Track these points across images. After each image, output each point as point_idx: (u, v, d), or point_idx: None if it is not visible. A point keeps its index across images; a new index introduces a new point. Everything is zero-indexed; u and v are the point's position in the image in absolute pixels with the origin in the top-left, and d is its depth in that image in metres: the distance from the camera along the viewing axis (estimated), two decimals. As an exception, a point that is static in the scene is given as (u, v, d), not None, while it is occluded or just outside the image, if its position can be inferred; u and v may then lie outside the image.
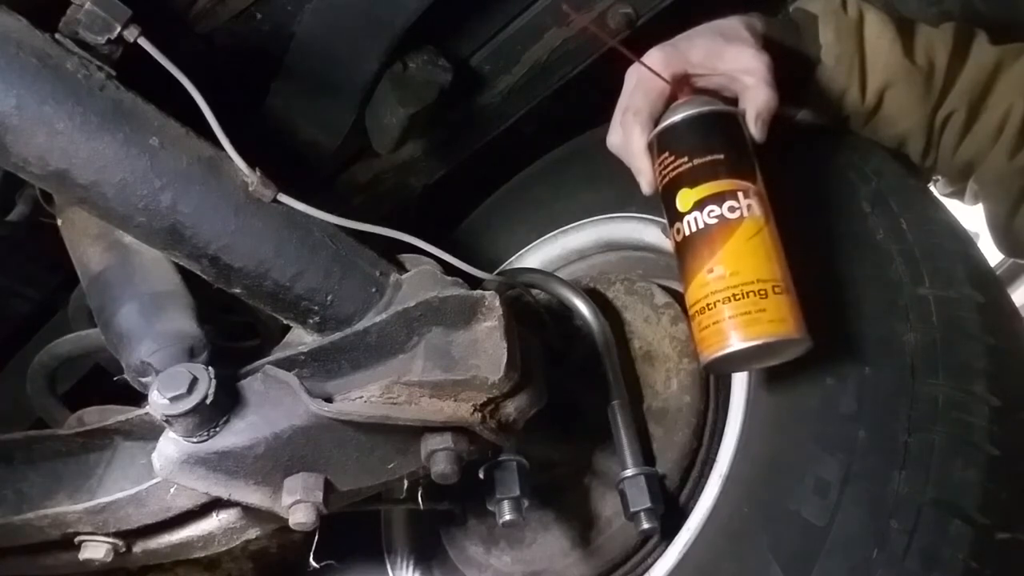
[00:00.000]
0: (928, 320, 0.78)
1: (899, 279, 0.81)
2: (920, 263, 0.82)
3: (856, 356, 0.78)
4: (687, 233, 0.78)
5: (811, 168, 0.94)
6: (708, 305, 0.76)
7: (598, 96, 0.96)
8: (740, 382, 0.90)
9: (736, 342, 0.74)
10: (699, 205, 0.78)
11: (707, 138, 0.81)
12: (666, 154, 0.82)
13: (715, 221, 0.77)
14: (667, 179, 0.82)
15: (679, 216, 0.79)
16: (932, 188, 1.15)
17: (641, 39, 0.91)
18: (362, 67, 1.08)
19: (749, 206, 0.77)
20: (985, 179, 1.02)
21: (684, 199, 0.79)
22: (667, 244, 1.06)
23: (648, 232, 1.11)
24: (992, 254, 1.06)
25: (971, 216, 1.12)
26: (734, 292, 0.74)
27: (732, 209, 0.77)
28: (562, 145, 1.34)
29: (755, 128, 0.84)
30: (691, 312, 0.78)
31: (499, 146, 1.37)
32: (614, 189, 1.14)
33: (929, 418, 0.72)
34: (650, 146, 0.85)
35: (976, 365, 0.75)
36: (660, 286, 1.08)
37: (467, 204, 1.44)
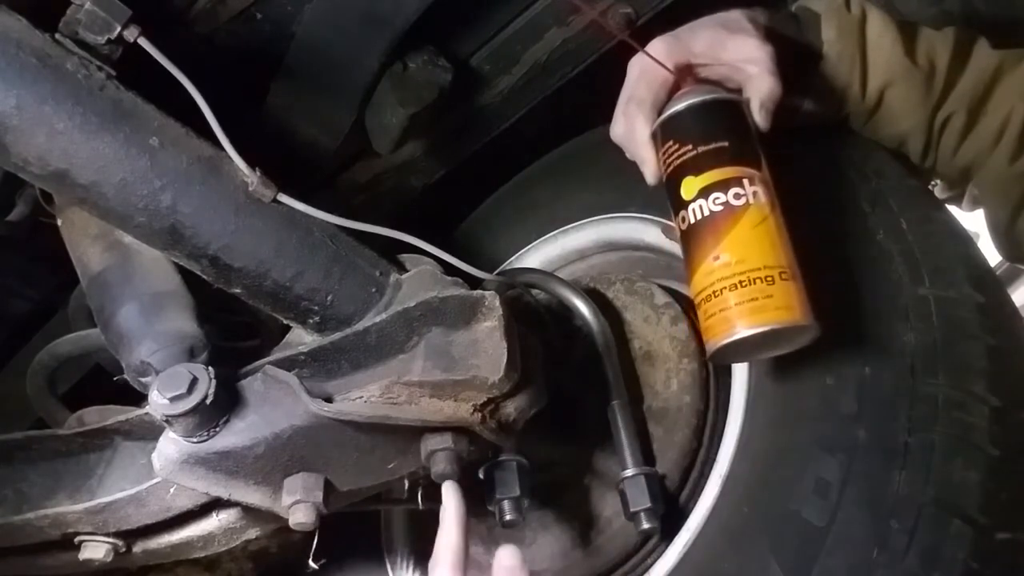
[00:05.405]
0: (928, 320, 0.78)
1: (899, 279, 0.81)
2: (920, 263, 0.81)
3: (856, 356, 0.78)
4: (692, 221, 0.77)
5: (811, 168, 0.93)
6: (714, 293, 0.74)
7: (598, 96, 0.96)
8: (740, 382, 0.90)
9: (742, 329, 0.72)
10: (704, 193, 0.77)
11: (711, 126, 0.80)
12: (670, 143, 0.81)
13: (720, 208, 0.76)
14: (671, 168, 0.81)
15: (684, 204, 0.78)
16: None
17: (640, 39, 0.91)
18: (362, 67, 1.08)
19: (755, 193, 0.76)
20: (985, 184, 1.02)
21: (688, 187, 0.78)
22: (667, 244, 1.06)
23: (648, 232, 1.11)
24: (992, 254, 1.06)
25: (971, 216, 1.12)
26: (740, 279, 0.73)
27: (737, 196, 0.76)
28: (562, 145, 1.34)
29: (759, 116, 0.83)
30: (696, 301, 0.77)
31: (499, 146, 1.36)
32: (614, 189, 1.13)
33: (929, 418, 0.72)
34: (654, 135, 0.84)
35: (976, 365, 0.75)
36: (660, 286, 1.08)
37: (467, 204, 1.44)
